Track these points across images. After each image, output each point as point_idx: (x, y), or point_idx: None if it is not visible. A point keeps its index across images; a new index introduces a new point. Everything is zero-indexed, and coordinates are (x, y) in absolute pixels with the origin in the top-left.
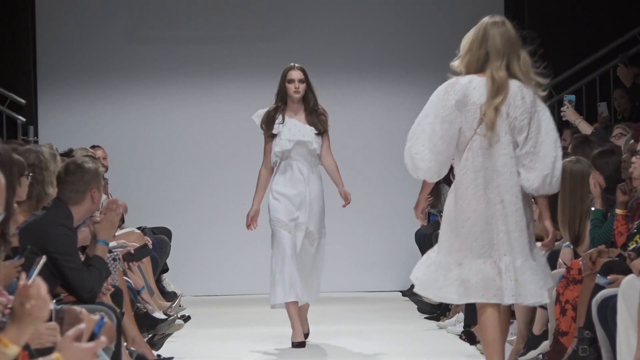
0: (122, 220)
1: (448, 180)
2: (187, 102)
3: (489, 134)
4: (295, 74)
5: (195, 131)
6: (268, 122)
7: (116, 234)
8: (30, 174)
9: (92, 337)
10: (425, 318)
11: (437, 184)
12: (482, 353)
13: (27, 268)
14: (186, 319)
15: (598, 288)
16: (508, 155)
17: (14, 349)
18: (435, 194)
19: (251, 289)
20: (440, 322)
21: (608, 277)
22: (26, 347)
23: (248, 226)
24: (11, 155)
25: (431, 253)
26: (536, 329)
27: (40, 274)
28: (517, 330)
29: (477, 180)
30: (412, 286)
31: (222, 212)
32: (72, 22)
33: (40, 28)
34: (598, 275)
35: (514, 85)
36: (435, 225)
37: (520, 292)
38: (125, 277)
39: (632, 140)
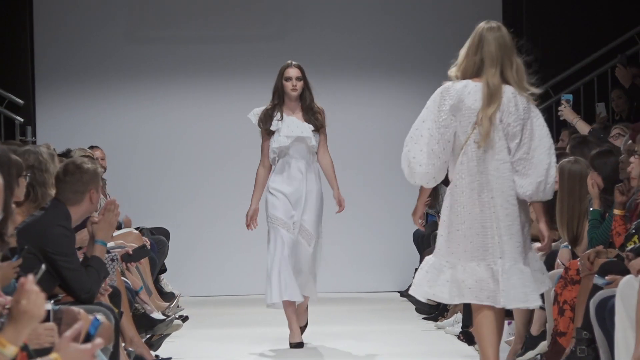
0: (120, 228)
1: (447, 181)
2: (186, 102)
3: (482, 143)
4: (293, 72)
5: (193, 131)
6: (265, 120)
7: (114, 234)
8: (28, 175)
9: (88, 337)
10: (423, 319)
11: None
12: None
13: (24, 269)
14: (184, 319)
15: (596, 288)
16: (501, 160)
17: (12, 349)
18: (433, 194)
19: (249, 290)
20: (438, 323)
21: (606, 277)
22: (24, 348)
23: (248, 226)
24: (9, 155)
25: (429, 258)
26: (534, 330)
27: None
28: (515, 330)
29: (473, 184)
30: (410, 286)
31: (220, 212)
32: (70, 22)
33: (38, 28)
34: (596, 275)
35: (507, 91)
36: (433, 225)
37: (498, 295)
38: (123, 278)
39: (630, 141)
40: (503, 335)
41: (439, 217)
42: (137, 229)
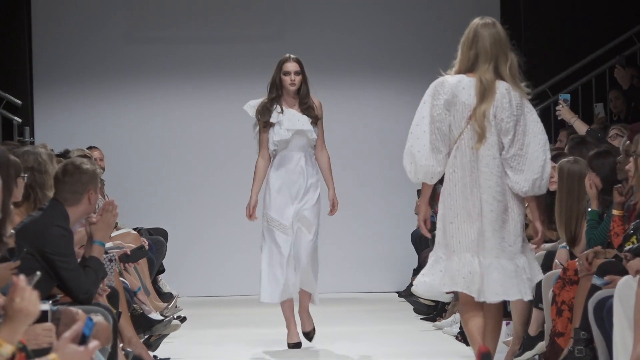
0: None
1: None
2: (185, 102)
3: (476, 140)
4: (292, 66)
5: (191, 132)
6: (263, 112)
7: (112, 234)
8: (26, 176)
9: (83, 338)
10: (421, 319)
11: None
12: None
13: (23, 270)
14: (182, 319)
15: (594, 289)
16: (491, 156)
17: (8, 348)
18: (432, 194)
19: (247, 290)
20: (436, 323)
21: (604, 278)
22: (23, 349)
23: (250, 217)
24: (8, 156)
25: (431, 253)
26: (532, 330)
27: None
28: (513, 331)
29: (465, 179)
30: (409, 287)
31: (218, 213)
32: (68, 22)
33: (36, 28)
34: (594, 276)
35: (501, 87)
36: (432, 226)
37: (484, 289)
38: (121, 278)
39: (628, 141)
40: (501, 335)
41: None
42: (135, 229)
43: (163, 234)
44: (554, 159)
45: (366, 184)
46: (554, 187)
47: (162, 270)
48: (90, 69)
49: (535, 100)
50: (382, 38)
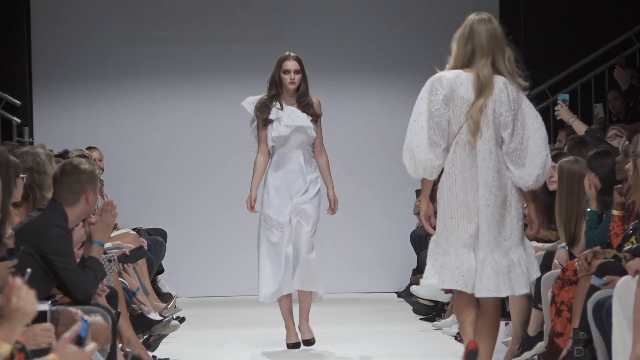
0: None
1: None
2: (184, 103)
3: (472, 140)
4: (291, 65)
5: (191, 132)
6: (262, 109)
7: (111, 235)
8: (25, 176)
9: (79, 340)
10: (420, 319)
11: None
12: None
13: (21, 269)
14: (181, 320)
15: (593, 289)
16: (487, 150)
17: (6, 348)
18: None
19: (246, 291)
20: (435, 323)
21: (603, 278)
22: (22, 349)
23: (251, 209)
24: (8, 157)
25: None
26: (531, 330)
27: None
28: (512, 331)
29: (464, 173)
30: (408, 287)
31: (218, 213)
32: (67, 22)
33: (35, 28)
34: (593, 276)
35: (499, 81)
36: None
37: (476, 284)
38: (120, 279)
39: (627, 142)
40: (501, 335)
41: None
42: (134, 229)
43: (162, 234)
44: (554, 158)
45: (365, 184)
46: (553, 187)
47: (161, 271)
48: (89, 69)
49: (535, 101)
50: (381, 38)
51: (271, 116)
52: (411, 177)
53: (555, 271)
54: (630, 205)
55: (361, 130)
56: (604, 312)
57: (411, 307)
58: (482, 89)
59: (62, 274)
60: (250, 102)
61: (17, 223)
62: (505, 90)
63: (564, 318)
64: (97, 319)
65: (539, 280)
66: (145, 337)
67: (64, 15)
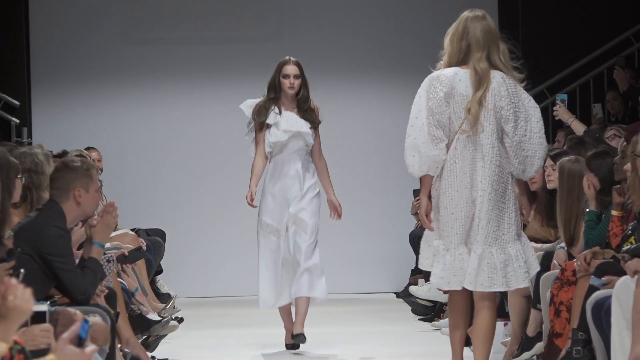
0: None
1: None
2: (183, 103)
3: (472, 126)
4: (291, 69)
5: (189, 133)
6: (260, 113)
7: (110, 235)
8: (24, 177)
9: (80, 341)
10: (419, 319)
11: None
12: None
13: (18, 270)
14: (180, 320)
15: (592, 289)
16: (490, 145)
17: (3, 347)
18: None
19: (245, 291)
20: (434, 323)
21: (602, 278)
22: (22, 350)
23: (251, 201)
24: (8, 158)
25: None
26: (530, 330)
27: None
28: (511, 331)
29: (465, 168)
30: (407, 288)
31: (217, 213)
32: (66, 23)
33: (34, 28)
34: (592, 276)
35: (497, 76)
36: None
37: (472, 279)
38: (119, 279)
39: (625, 142)
40: (500, 336)
41: None
42: (133, 230)
43: (161, 234)
44: (556, 157)
45: (364, 184)
46: (551, 185)
47: (160, 271)
48: (88, 69)
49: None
50: (379, 39)
51: (269, 121)
52: (410, 177)
53: (554, 271)
54: (629, 205)
55: (359, 130)
56: (602, 312)
57: (410, 308)
58: (480, 81)
59: (60, 274)
60: (248, 105)
61: (15, 223)
62: (504, 84)
63: (563, 318)
64: (96, 319)
65: (537, 280)
66: (144, 337)
67: (63, 16)
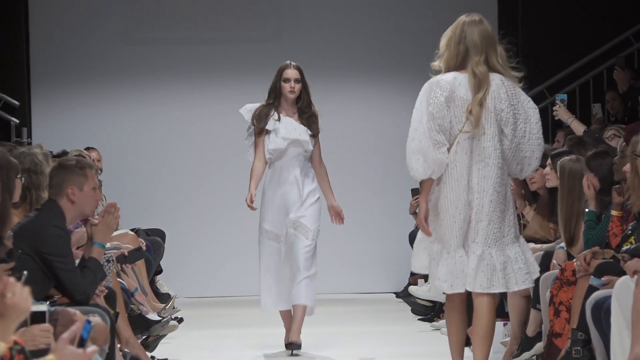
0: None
1: None
2: (182, 103)
3: (474, 128)
4: (292, 73)
5: (189, 133)
6: (260, 118)
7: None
8: (23, 177)
9: (81, 341)
10: (419, 319)
11: None
12: None
13: (18, 270)
14: (180, 320)
15: (592, 289)
16: (492, 147)
17: (2, 346)
18: None
19: (245, 291)
20: (434, 324)
21: (602, 278)
22: (21, 351)
23: (251, 202)
24: (8, 158)
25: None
26: (530, 331)
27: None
28: (511, 331)
29: (462, 171)
30: (406, 288)
31: (217, 213)
32: (66, 23)
33: (33, 29)
34: (592, 276)
35: (496, 78)
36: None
37: (471, 280)
38: (118, 279)
39: (624, 143)
40: (499, 336)
41: None
42: (133, 230)
43: (161, 234)
44: (556, 157)
45: (364, 184)
46: (551, 184)
47: (159, 271)
48: (88, 69)
49: (533, 101)
50: (379, 39)
51: (268, 126)
52: (410, 178)
53: (554, 271)
54: (629, 205)
55: (359, 130)
56: (602, 312)
57: (409, 308)
58: (480, 84)
59: (60, 274)
60: (248, 110)
61: (15, 224)
62: (503, 86)
63: (563, 318)
64: (95, 319)
65: (537, 280)
66: (143, 337)
67: (63, 16)
